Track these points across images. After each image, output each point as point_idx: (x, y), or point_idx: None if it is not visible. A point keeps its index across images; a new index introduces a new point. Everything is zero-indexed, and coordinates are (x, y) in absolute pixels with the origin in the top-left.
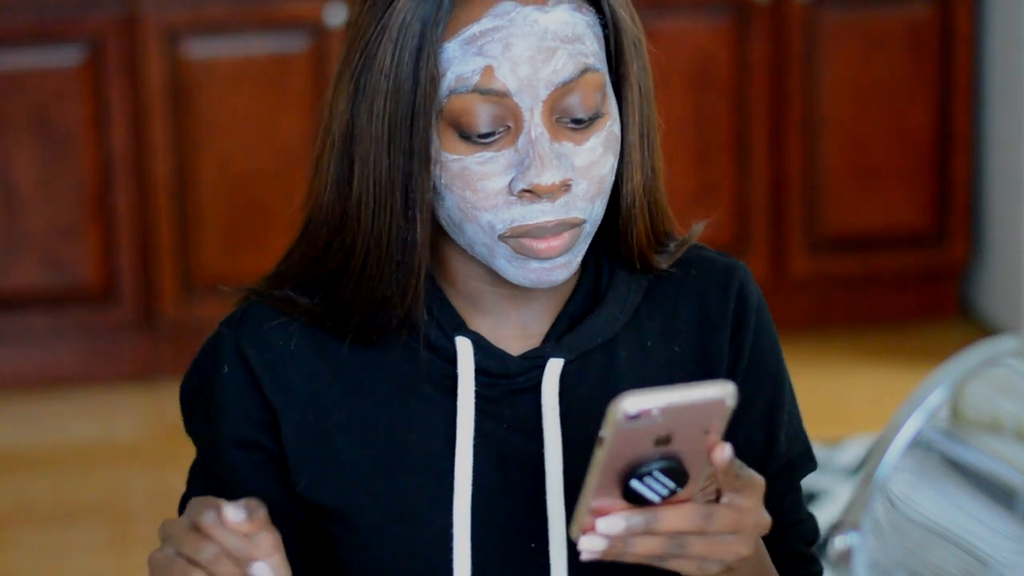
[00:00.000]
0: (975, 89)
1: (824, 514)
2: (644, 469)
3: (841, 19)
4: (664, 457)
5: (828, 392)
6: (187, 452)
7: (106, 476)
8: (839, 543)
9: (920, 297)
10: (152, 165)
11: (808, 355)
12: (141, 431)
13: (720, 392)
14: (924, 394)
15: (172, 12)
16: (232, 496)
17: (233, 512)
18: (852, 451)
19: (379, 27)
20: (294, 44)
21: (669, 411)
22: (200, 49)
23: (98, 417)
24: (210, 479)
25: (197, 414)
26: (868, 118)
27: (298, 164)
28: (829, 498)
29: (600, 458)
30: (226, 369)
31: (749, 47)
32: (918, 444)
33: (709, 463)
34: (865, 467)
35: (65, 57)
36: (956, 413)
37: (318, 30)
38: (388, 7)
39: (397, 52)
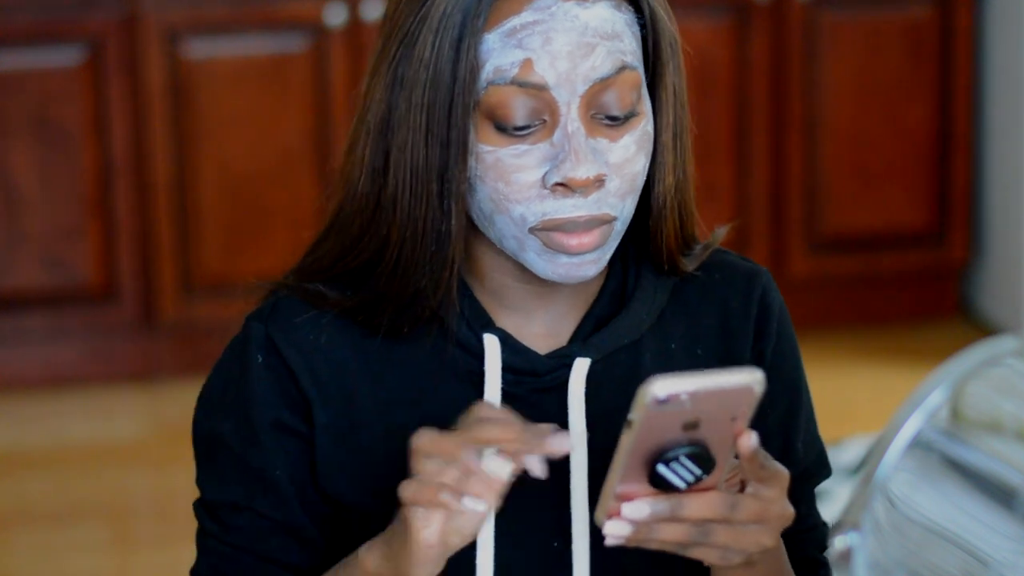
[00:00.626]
0: (975, 89)
1: (824, 514)
2: (671, 454)
3: (841, 19)
4: (691, 443)
5: (828, 392)
6: (188, 452)
7: (106, 476)
8: (839, 543)
9: (920, 297)
10: (152, 165)
11: (808, 355)
12: (141, 431)
13: (748, 379)
14: (924, 394)
15: (172, 12)
16: (269, 485)
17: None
18: (852, 451)
19: (419, 18)
20: (294, 44)
21: (698, 396)
22: (200, 49)
23: (98, 417)
24: (242, 473)
25: (217, 413)
26: (868, 118)
27: (298, 164)
28: (829, 498)
29: (627, 442)
30: (260, 359)
31: (749, 47)
32: (918, 444)
33: (734, 451)
34: (865, 467)
35: (65, 57)
36: (956, 413)
37: (318, 30)
38: None
39: (438, 43)
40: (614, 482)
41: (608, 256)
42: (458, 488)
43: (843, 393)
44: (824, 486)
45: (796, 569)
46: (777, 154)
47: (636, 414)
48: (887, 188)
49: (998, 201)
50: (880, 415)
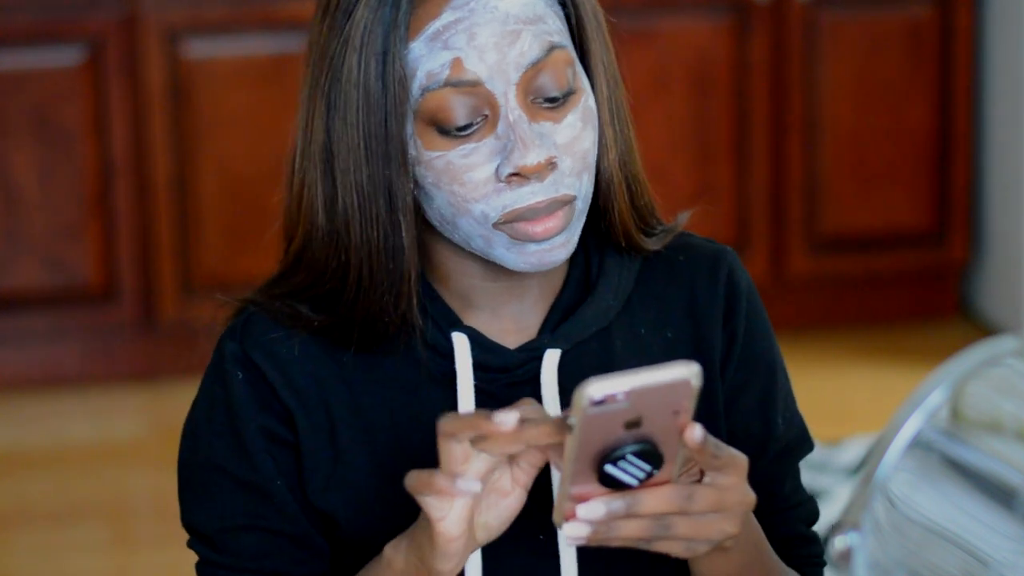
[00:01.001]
0: (975, 89)
1: (824, 514)
2: (617, 453)
3: (841, 19)
4: (636, 440)
5: (828, 392)
6: None
7: (106, 476)
8: (839, 543)
9: (920, 297)
10: (152, 165)
11: (808, 355)
12: (141, 431)
13: (685, 372)
14: (924, 394)
15: (172, 12)
16: (269, 498)
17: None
18: (852, 451)
19: (341, 40)
20: (294, 44)
21: (634, 394)
22: (200, 49)
23: (98, 417)
24: (241, 491)
25: (207, 439)
26: (868, 118)
27: None
28: (829, 498)
29: (572, 445)
30: (240, 375)
31: (749, 47)
32: (918, 444)
33: (683, 444)
34: (865, 467)
35: (65, 57)
36: (956, 413)
37: None
38: (347, 19)
39: (363, 60)
40: (566, 485)
41: (575, 238)
42: (452, 470)
43: (843, 393)
44: (824, 486)
45: (785, 547)
46: (777, 154)
47: (575, 417)
48: (887, 188)
49: (998, 201)
50: (880, 415)
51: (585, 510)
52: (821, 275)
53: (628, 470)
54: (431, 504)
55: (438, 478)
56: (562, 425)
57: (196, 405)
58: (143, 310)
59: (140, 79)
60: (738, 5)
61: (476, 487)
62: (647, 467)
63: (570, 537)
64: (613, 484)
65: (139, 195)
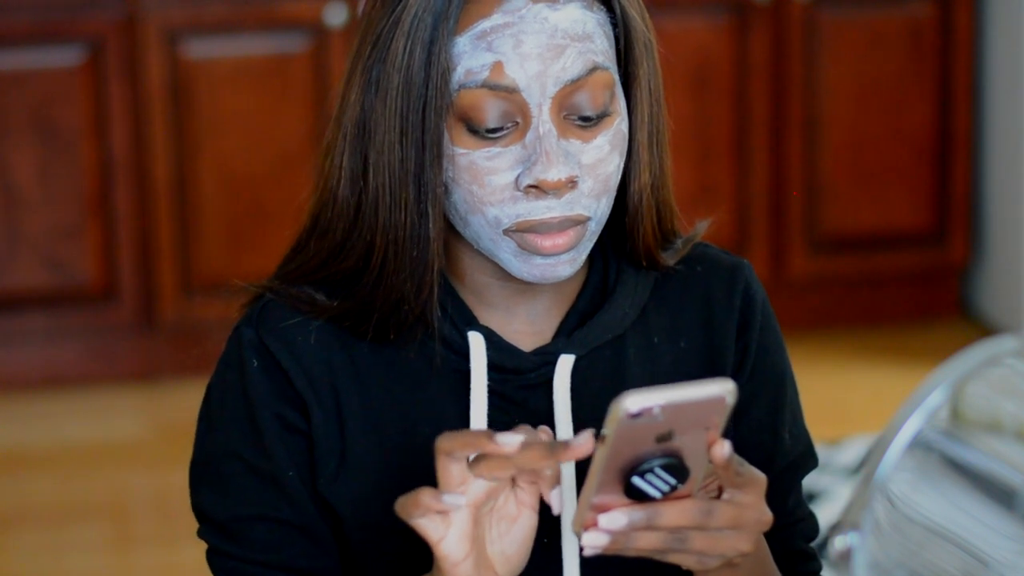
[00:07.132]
0: (975, 89)
1: (824, 514)
2: (645, 466)
3: (841, 19)
4: (665, 454)
5: (828, 392)
6: (188, 452)
7: (106, 476)
8: (839, 543)
9: (920, 297)
10: (152, 165)
11: (808, 355)
12: (141, 431)
13: (720, 390)
14: (924, 394)
15: (172, 12)
16: (283, 488)
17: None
18: (852, 451)
19: (391, 20)
20: (294, 44)
21: (670, 409)
22: (200, 49)
23: (98, 417)
24: (256, 480)
25: (222, 427)
26: (868, 118)
27: (298, 164)
28: (829, 498)
29: (602, 456)
30: (255, 363)
31: (749, 47)
32: (918, 444)
33: (709, 459)
34: (865, 467)
35: (65, 57)
36: (956, 413)
37: (318, 30)
38: (400, 1)
39: (409, 45)
40: (590, 494)
41: (583, 256)
42: (449, 491)
43: (843, 393)
44: (824, 486)
45: (785, 562)
46: (777, 154)
47: (609, 428)
48: (887, 188)
49: (998, 201)
50: (880, 415)
51: (607, 520)
52: (821, 275)
53: (654, 483)
54: (425, 526)
55: (423, 495)
56: (551, 449)
57: (211, 392)
58: (143, 310)
59: (140, 79)
60: (738, 5)
61: (460, 500)
62: (672, 481)
63: (589, 546)
64: (636, 495)
65: (139, 195)
